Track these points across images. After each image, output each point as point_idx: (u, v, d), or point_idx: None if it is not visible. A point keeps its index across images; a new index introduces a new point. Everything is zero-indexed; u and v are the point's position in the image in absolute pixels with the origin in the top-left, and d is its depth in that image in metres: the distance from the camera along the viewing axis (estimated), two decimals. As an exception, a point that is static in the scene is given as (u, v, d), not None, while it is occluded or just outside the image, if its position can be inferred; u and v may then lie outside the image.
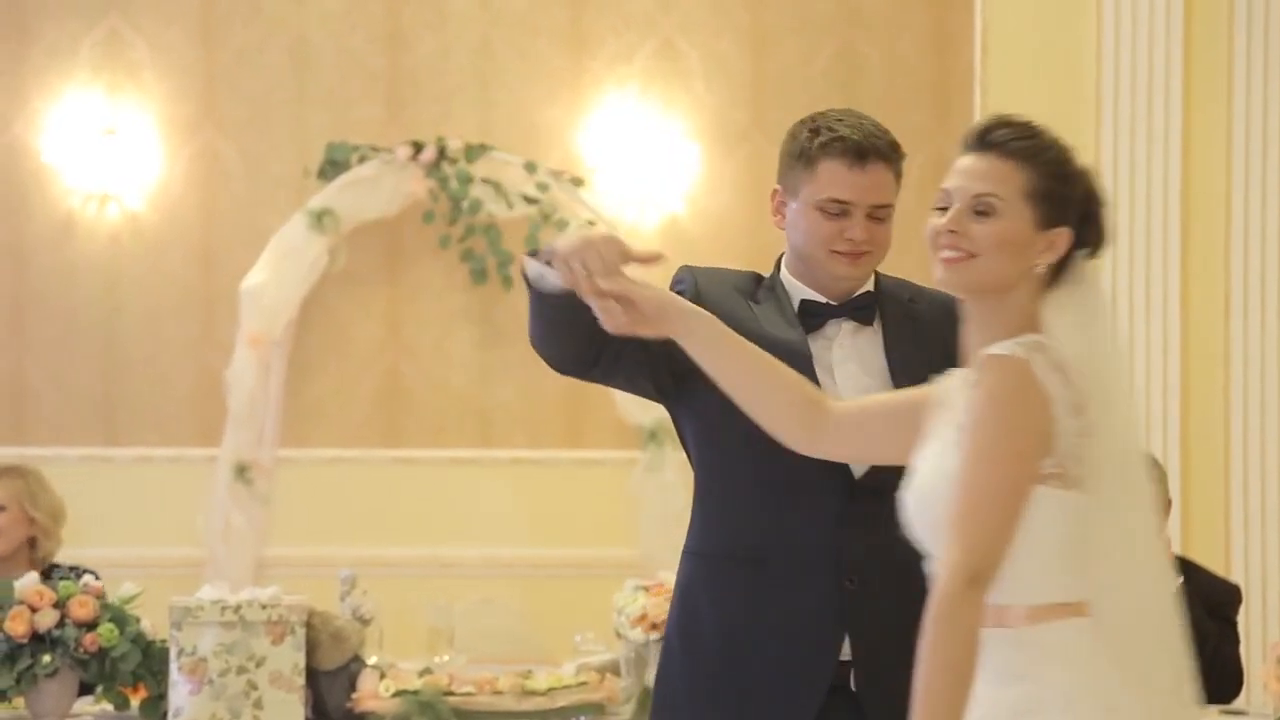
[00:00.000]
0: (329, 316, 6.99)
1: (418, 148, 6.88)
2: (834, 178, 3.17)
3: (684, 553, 3.29)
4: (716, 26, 7.07)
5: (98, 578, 4.52)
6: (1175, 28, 6.64)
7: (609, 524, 6.89)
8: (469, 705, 4.52)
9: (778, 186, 3.26)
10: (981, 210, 2.70)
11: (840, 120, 3.21)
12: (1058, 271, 2.71)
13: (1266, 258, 6.43)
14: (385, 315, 7.03)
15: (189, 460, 6.88)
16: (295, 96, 7.00)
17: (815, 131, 3.20)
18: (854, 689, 3.14)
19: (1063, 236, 2.70)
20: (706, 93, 7.05)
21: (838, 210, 3.18)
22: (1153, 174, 6.63)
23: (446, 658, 4.75)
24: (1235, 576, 5.26)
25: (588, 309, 2.82)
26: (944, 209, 2.72)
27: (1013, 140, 2.72)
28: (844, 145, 3.17)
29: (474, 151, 6.89)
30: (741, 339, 2.87)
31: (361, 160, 6.88)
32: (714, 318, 2.87)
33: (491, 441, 7.01)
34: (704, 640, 3.18)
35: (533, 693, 4.57)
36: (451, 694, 4.51)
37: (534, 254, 2.94)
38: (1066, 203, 2.72)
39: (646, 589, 4.75)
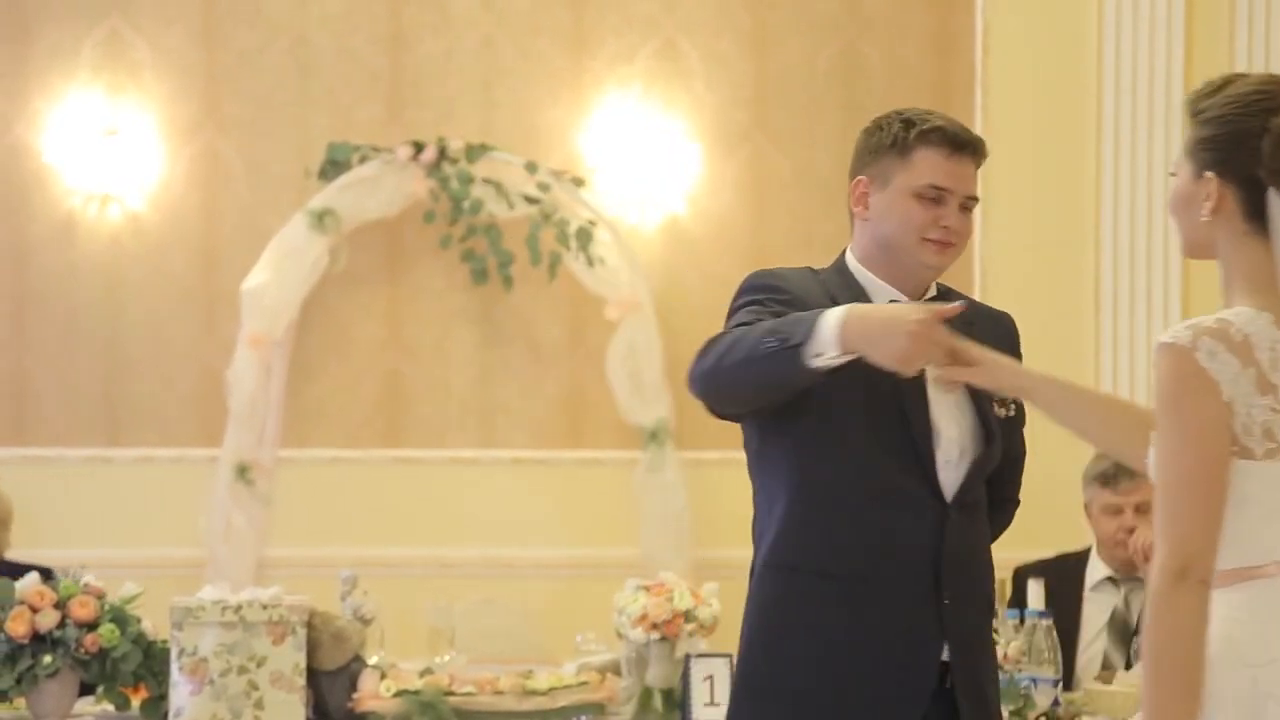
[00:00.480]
0: (330, 317, 6.98)
1: (418, 148, 6.88)
2: (932, 165, 3.26)
3: (765, 567, 3.32)
4: (718, 27, 7.07)
5: (50, 575, 4.49)
6: (1176, 28, 6.64)
7: (610, 524, 6.88)
8: (470, 705, 4.52)
9: (862, 177, 3.32)
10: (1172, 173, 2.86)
11: (930, 114, 3.32)
12: (1250, 225, 2.73)
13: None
14: (386, 315, 7.03)
15: (190, 461, 6.88)
16: (296, 97, 7.00)
17: (909, 123, 3.28)
18: (949, 687, 3.27)
19: (1211, 182, 2.76)
20: (708, 93, 7.05)
21: (934, 196, 3.27)
22: (1153, 173, 6.63)
23: (447, 658, 4.75)
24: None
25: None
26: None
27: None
28: (943, 135, 3.27)
29: (475, 151, 6.88)
30: (1074, 386, 3.04)
31: (362, 160, 6.88)
32: (1051, 378, 3.04)
33: (492, 442, 7.00)
34: (797, 655, 3.24)
35: (533, 693, 4.58)
36: (452, 694, 4.52)
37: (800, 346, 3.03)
38: (1208, 146, 2.78)
39: (647, 589, 4.76)
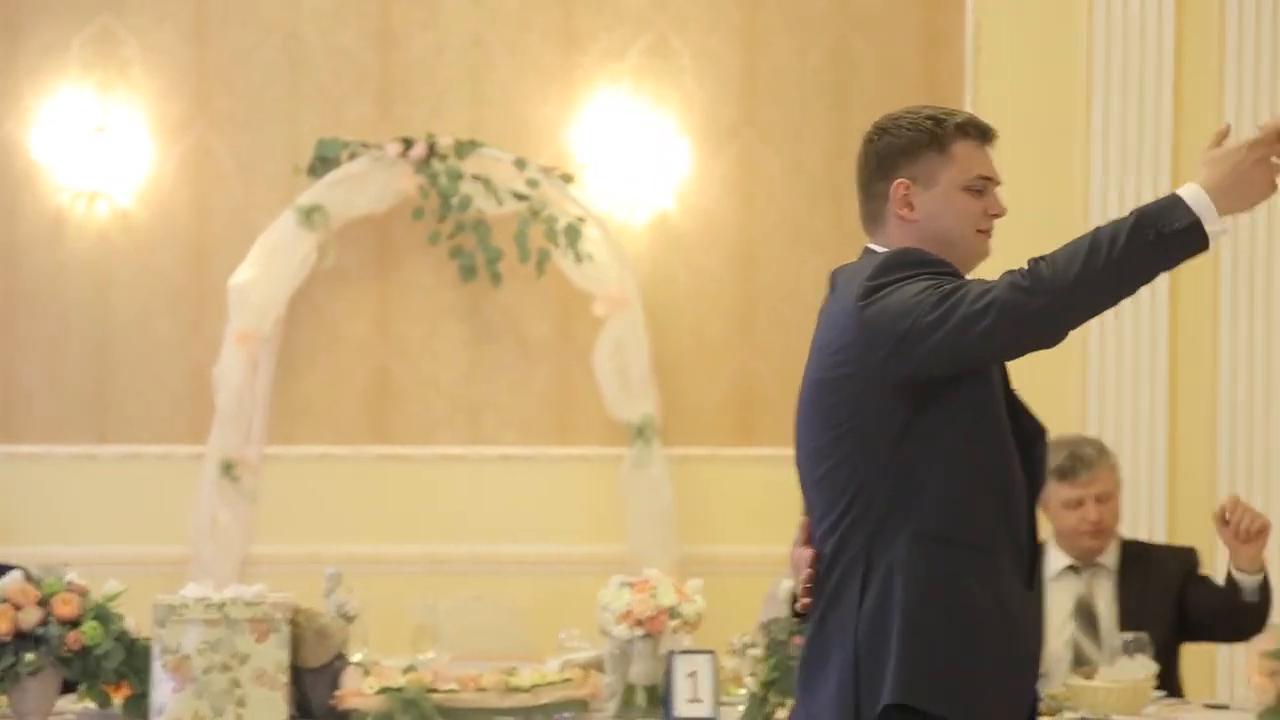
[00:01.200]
0: (318, 313, 6.98)
1: (408, 144, 6.88)
2: (975, 158, 3.30)
3: (916, 538, 3.19)
4: (709, 23, 7.06)
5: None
6: (1166, 26, 6.63)
7: (596, 521, 6.89)
8: (452, 702, 4.52)
9: (901, 179, 3.30)
10: None
11: (948, 109, 3.36)
12: None
13: (1255, 256, 6.43)
14: (374, 312, 7.02)
15: (177, 457, 6.88)
16: (286, 94, 7.00)
17: (938, 119, 3.30)
18: None
19: None
20: (698, 89, 7.05)
21: (981, 188, 3.31)
22: (1143, 173, 6.62)
23: (431, 655, 4.75)
24: (1219, 570, 5.28)
25: None
26: None
27: None
28: (975, 126, 3.32)
29: (464, 148, 6.88)
30: None
31: (352, 157, 6.88)
32: None
33: (480, 438, 7.01)
34: (988, 625, 3.21)
35: (516, 689, 4.58)
36: (435, 691, 4.52)
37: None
38: None
39: (632, 585, 4.76)
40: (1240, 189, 3.04)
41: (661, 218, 7.03)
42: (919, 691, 3.14)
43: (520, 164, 6.88)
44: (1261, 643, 4.61)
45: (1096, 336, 6.49)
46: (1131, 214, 3.07)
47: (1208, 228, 3.03)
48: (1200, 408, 6.55)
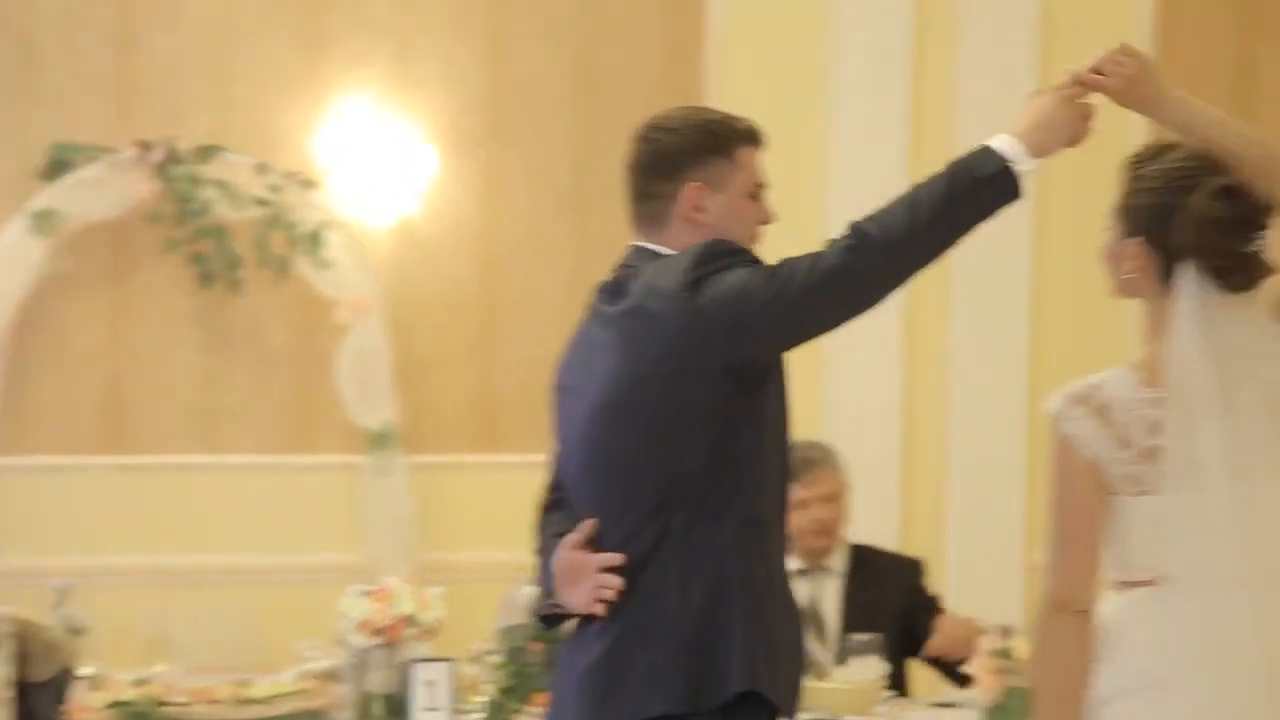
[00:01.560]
0: (49, 321, 6.82)
1: (146, 148, 6.75)
2: (754, 163, 3.34)
3: (751, 525, 3.22)
4: (454, 30, 7.05)
5: None
6: (904, 39, 6.78)
7: (337, 529, 6.83)
8: (185, 715, 4.46)
9: (694, 182, 3.29)
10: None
11: (719, 111, 3.40)
12: (1161, 287, 3.09)
13: (989, 262, 6.57)
14: (108, 319, 6.88)
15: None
16: (19, 95, 6.83)
17: (722, 123, 3.32)
18: None
19: (1135, 246, 3.10)
20: (444, 96, 7.03)
21: (759, 194, 3.36)
22: (884, 186, 6.74)
23: (164, 667, 4.68)
24: (949, 570, 5.40)
25: None
26: None
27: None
28: (755, 132, 3.34)
29: (205, 153, 6.78)
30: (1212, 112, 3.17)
31: (88, 161, 6.74)
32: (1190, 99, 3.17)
33: (218, 447, 6.90)
34: (790, 610, 3.35)
35: (251, 701, 4.53)
36: (167, 704, 4.44)
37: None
38: (1135, 214, 3.12)
39: (370, 594, 4.73)
40: (1049, 128, 3.13)
41: (406, 224, 7.00)
42: (761, 676, 3.16)
43: (262, 169, 6.80)
44: (987, 643, 4.71)
45: (831, 343, 6.60)
46: (945, 167, 3.14)
47: (1017, 169, 3.11)
48: (932, 415, 6.70)
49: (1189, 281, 3.10)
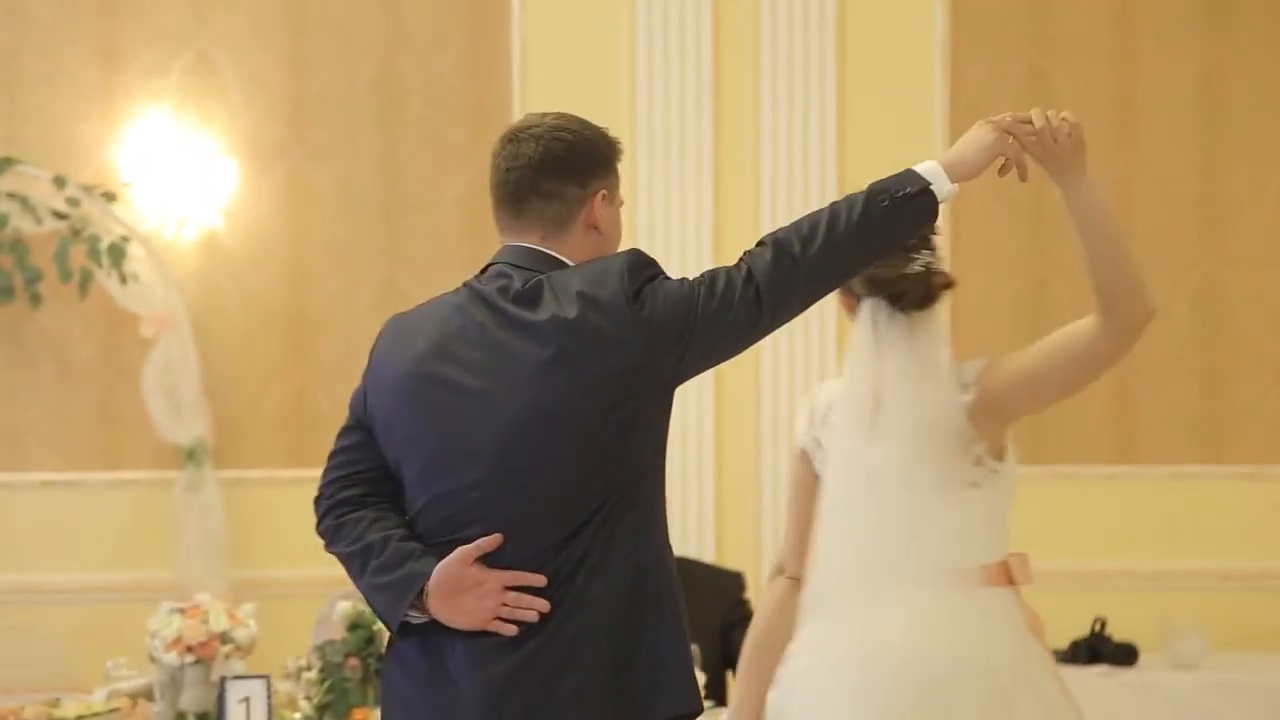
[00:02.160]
0: None
1: (-63, 161, 6.62)
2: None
3: (665, 541, 3.27)
4: (254, 42, 6.99)
5: None
6: (705, 47, 6.87)
7: (145, 546, 6.74)
8: (-5, 738, 4.37)
9: (603, 190, 3.24)
10: None
11: (575, 121, 3.31)
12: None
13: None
14: (-95, 334, 6.74)
15: None
16: None
17: (607, 136, 3.29)
18: None
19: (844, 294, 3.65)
20: (244, 108, 6.97)
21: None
22: (686, 195, 6.84)
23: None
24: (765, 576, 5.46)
25: None
26: None
27: None
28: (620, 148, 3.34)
29: (0, 165, 6.66)
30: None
31: (-125, 176, 6.59)
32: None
33: (22, 464, 6.77)
34: None
35: (62, 722, 4.46)
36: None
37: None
38: None
39: (182, 611, 4.68)
40: (970, 152, 3.27)
41: (210, 237, 6.92)
42: (694, 697, 3.16)
43: (60, 182, 6.69)
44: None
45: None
46: (866, 186, 3.22)
47: (937, 191, 3.21)
48: (745, 428, 6.80)
49: (865, 308, 3.52)
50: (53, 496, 6.79)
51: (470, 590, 3.10)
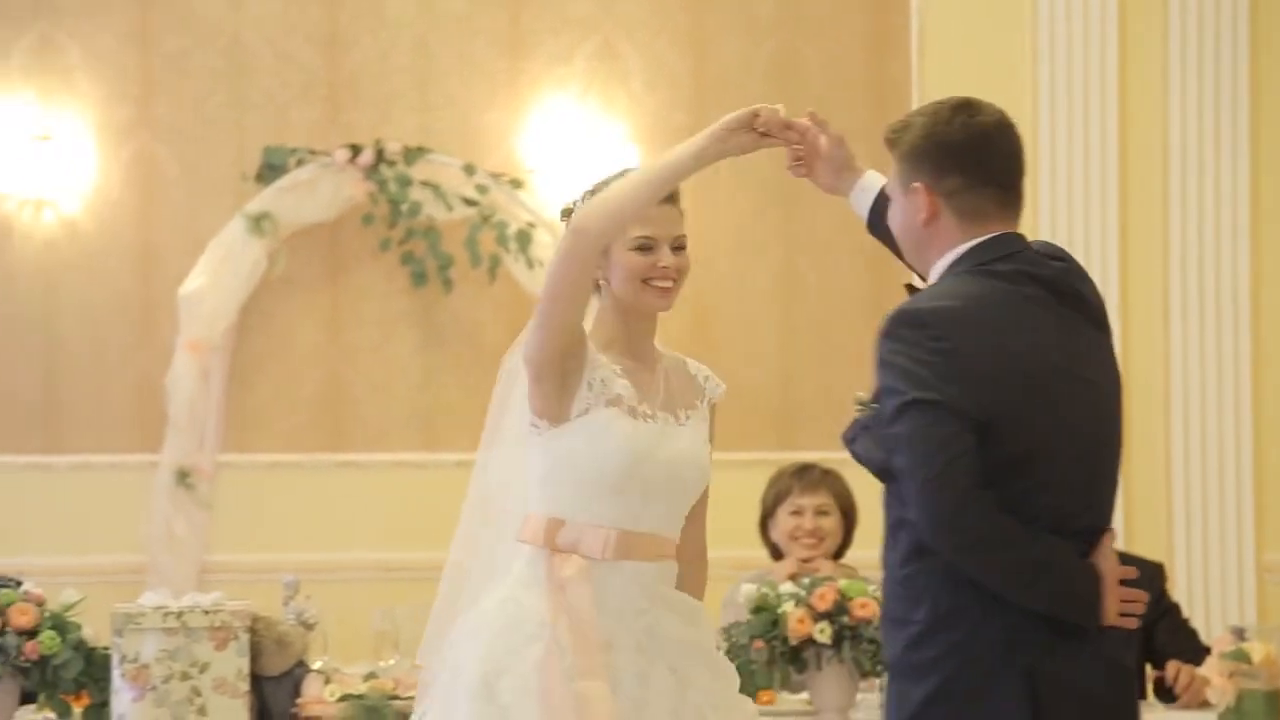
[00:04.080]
0: (269, 321, 6.95)
1: (356, 150, 6.85)
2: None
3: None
4: (656, 27, 7.07)
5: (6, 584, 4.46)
6: (1110, 28, 6.68)
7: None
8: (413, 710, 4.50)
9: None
10: None
11: None
12: None
13: (1204, 262, 6.47)
14: (326, 319, 6.99)
15: (129, 466, 6.83)
16: (231, 100, 6.96)
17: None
18: None
19: None
20: (646, 94, 7.05)
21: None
22: (1090, 175, 6.67)
23: (392, 662, 4.73)
24: (1178, 573, 5.29)
25: None
26: None
27: None
28: None
29: (412, 154, 6.87)
30: None
31: (299, 164, 6.85)
32: None
33: (436, 444, 6.97)
34: None
35: (479, 695, 4.55)
36: (397, 698, 4.49)
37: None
38: None
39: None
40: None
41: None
42: None
43: (469, 169, 6.87)
44: (1219, 644, 4.64)
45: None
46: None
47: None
48: (1153, 415, 6.59)
49: None
50: (466, 476, 6.90)
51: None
